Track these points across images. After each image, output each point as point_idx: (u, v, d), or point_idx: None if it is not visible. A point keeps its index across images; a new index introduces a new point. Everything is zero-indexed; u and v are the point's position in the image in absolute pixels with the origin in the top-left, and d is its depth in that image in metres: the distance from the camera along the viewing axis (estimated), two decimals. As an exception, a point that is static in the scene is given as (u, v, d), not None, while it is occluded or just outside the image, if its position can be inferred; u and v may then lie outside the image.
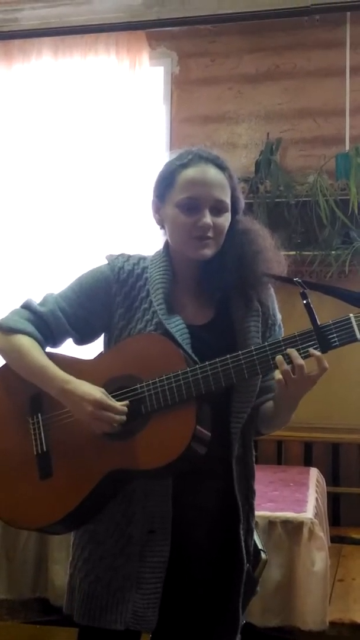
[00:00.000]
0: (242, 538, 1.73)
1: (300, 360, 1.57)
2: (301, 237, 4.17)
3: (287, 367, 1.57)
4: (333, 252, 4.11)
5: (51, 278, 4.35)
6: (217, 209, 1.72)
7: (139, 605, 1.68)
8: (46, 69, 4.67)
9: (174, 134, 4.59)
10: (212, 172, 1.73)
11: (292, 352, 1.58)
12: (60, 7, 4.62)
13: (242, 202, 1.81)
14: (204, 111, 4.55)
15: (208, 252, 1.74)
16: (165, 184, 1.77)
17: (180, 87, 4.62)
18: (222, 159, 1.77)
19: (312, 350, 1.58)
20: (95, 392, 1.64)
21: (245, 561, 1.74)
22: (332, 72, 4.39)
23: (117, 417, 1.62)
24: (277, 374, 1.59)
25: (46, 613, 3.13)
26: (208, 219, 1.70)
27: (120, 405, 1.63)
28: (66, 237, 4.58)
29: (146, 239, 4.31)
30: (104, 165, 4.55)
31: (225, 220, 1.74)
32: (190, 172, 1.73)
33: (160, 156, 4.55)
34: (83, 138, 4.60)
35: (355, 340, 1.56)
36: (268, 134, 4.40)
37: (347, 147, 4.30)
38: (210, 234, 1.71)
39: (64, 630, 2.89)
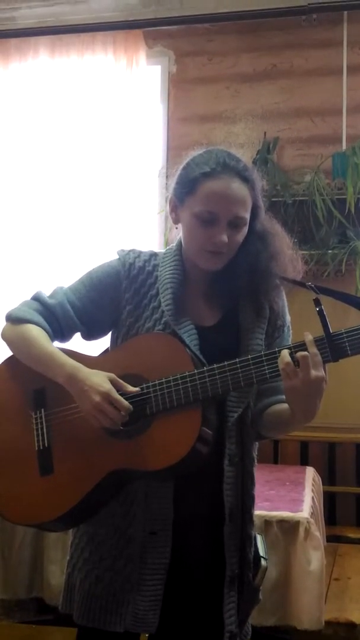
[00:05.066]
0: (231, 543, 1.70)
1: (304, 352, 1.53)
2: (298, 236, 4.12)
3: (289, 359, 1.54)
4: (330, 251, 4.11)
5: (51, 274, 4.37)
6: (235, 224, 1.69)
7: (139, 607, 1.67)
8: (43, 68, 4.66)
9: (171, 133, 4.59)
10: (236, 187, 1.67)
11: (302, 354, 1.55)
12: (57, 6, 4.62)
13: (263, 210, 1.76)
14: (201, 110, 4.55)
15: (219, 265, 1.72)
16: (187, 190, 1.71)
17: (178, 86, 4.62)
18: (248, 169, 1.71)
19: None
20: (106, 384, 1.62)
21: (236, 570, 1.71)
22: (329, 72, 4.39)
23: (120, 414, 1.60)
24: (281, 363, 1.55)
25: (42, 613, 3.13)
26: (224, 236, 1.66)
27: (127, 403, 1.61)
28: (65, 234, 4.58)
29: (143, 236, 4.32)
30: (102, 165, 4.54)
31: (242, 235, 1.71)
32: (213, 185, 1.67)
33: (157, 155, 4.56)
34: (80, 137, 4.60)
35: None
36: (265, 133, 4.40)
37: (344, 147, 4.30)
38: (223, 250, 1.69)
39: (59, 630, 2.89)
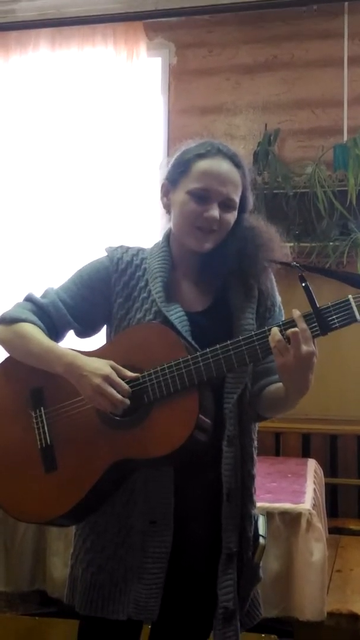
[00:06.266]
0: (229, 522, 1.72)
1: (294, 329, 1.57)
2: (299, 229, 4.16)
3: (280, 336, 1.57)
4: (331, 243, 4.11)
5: (50, 273, 4.35)
6: (226, 205, 1.75)
7: (140, 595, 1.69)
8: (43, 60, 4.65)
9: (171, 125, 4.58)
10: (227, 168, 1.75)
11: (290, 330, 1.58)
12: (57, -2, 4.61)
13: (251, 203, 1.82)
14: (201, 102, 4.54)
15: (208, 245, 1.76)
16: (180, 170, 1.78)
17: (178, 78, 4.61)
18: (240, 156, 1.79)
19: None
20: (106, 367, 1.66)
21: (234, 548, 1.73)
22: (330, 63, 4.38)
23: (121, 397, 1.63)
24: (272, 341, 1.58)
25: (44, 605, 3.14)
26: (216, 212, 1.72)
27: (127, 386, 1.64)
28: (64, 230, 4.57)
29: (144, 229, 4.31)
30: (102, 157, 4.54)
31: (232, 217, 1.76)
32: (206, 164, 1.75)
33: (158, 147, 4.55)
34: (81, 130, 4.59)
35: (355, 321, 1.57)
36: (266, 125, 4.39)
37: (345, 138, 4.29)
38: (214, 227, 1.74)
39: (62, 622, 2.89)
